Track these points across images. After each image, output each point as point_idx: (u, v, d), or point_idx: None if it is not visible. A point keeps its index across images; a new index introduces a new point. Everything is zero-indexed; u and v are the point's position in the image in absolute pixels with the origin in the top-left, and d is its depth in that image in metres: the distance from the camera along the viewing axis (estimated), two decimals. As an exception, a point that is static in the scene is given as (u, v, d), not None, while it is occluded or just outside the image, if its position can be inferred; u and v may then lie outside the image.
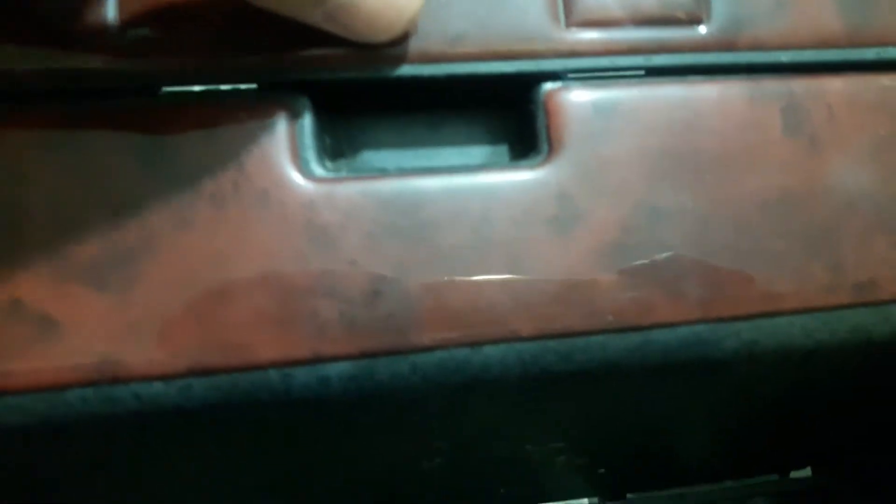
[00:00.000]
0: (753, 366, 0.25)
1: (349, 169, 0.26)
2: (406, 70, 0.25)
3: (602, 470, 0.34)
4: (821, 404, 0.32)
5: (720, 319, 0.24)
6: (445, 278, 0.23)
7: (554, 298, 0.24)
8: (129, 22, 0.23)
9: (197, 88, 0.24)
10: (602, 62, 0.26)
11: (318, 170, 0.24)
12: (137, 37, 0.23)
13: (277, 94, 0.24)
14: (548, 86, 0.25)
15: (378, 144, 0.27)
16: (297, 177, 0.24)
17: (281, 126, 0.24)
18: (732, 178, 0.25)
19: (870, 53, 0.27)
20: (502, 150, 0.27)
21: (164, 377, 0.22)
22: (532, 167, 0.25)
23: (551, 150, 0.25)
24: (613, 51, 0.26)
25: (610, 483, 0.37)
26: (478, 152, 0.27)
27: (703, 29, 0.26)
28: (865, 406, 0.33)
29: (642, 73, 0.26)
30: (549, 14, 0.25)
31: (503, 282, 0.24)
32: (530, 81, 0.26)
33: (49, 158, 0.23)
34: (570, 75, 0.26)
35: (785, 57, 0.27)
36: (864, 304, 0.25)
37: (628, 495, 0.38)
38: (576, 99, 0.25)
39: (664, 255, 0.24)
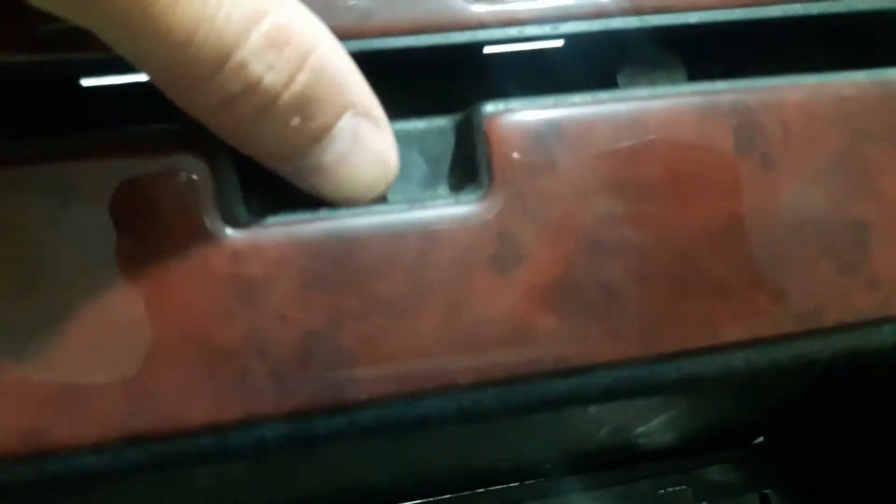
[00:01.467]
0: (693, 393, 0.25)
1: (276, 203, 0.24)
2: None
3: (548, 466, 0.35)
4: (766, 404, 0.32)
5: (661, 357, 0.24)
6: (381, 329, 0.23)
7: (494, 344, 0.23)
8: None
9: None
10: (511, 32, 0.25)
11: (241, 215, 0.23)
12: (54, 30, 0.22)
13: (196, 131, 0.22)
14: (489, 108, 0.24)
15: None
16: (219, 225, 0.22)
17: (201, 169, 0.22)
18: (679, 207, 0.24)
19: (776, 11, 0.27)
20: (440, 175, 0.26)
21: (94, 447, 0.22)
22: (472, 202, 0.23)
23: (492, 183, 0.23)
24: (521, 21, 0.25)
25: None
26: (415, 176, 0.26)
27: None
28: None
29: (559, 41, 0.26)
30: None
31: (441, 329, 0.23)
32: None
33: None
34: (486, 48, 0.25)
35: (693, 18, 0.26)
36: (809, 333, 0.25)
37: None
38: (519, 126, 0.24)
39: (605, 293, 0.24)
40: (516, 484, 0.38)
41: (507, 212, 0.23)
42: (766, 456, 0.40)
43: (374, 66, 0.23)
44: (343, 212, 0.23)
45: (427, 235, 0.23)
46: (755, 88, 0.25)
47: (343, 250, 0.23)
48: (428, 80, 0.27)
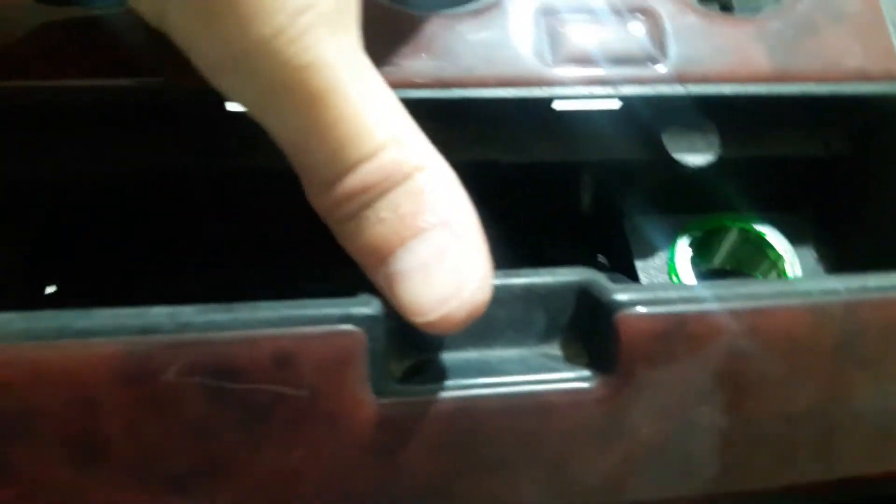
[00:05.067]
0: None
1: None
2: (428, 93, 0.29)
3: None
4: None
5: None
6: (493, 485, 0.26)
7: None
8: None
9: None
10: (580, 91, 0.30)
11: (385, 390, 0.24)
12: None
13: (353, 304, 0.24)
14: (622, 312, 0.25)
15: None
16: (366, 399, 0.24)
17: (358, 343, 0.24)
18: (772, 401, 0.27)
19: (793, 88, 0.32)
20: (555, 332, 0.28)
21: None
22: (589, 381, 0.26)
23: (613, 371, 0.26)
24: (590, 82, 0.31)
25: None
26: (532, 329, 0.28)
27: (660, 67, 0.31)
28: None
29: (616, 101, 0.31)
30: (539, 54, 0.30)
31: (543, 486, 0.26)
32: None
33: (123, 391, 0.23)
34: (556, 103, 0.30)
35: (727, 89, 0.31)
36: None
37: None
38: (649, 323, 0.26)
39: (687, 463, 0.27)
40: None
41: (622, 396, 0.26)
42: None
43: (468, 111, 0.28)
44: (470, 390, 0.25)
45: (543, 410, 0.25)
46: (867, 298, 0.27)
47: (469, 422, 0.25)
48: (502, 127, 0.32)
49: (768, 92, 0.32)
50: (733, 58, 0.32)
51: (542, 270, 0.27)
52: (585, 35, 0.31)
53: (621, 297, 0.26)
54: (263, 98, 0.22)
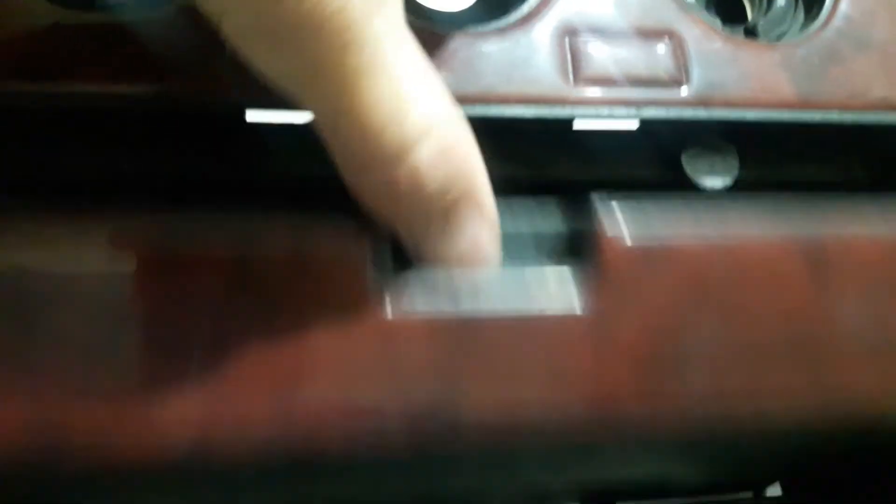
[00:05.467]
0: None
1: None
2: None
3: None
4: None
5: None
6: (494, 391, 0.27)
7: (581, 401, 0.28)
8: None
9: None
10: (602, 111, 0.30)
11: (390, 306, 0.27)
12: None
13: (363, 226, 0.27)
14: (600, 199, 0.29)
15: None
16: (373, 311, 0.26)
17: (363, 257, 0.27)
18: (752, 322, 0.29)
19: (816, 116, 0.32)
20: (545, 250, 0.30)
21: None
22: (584, 310, 0.28)
23: (598, 295, 0.28)
24: (611, 103, 0.31)
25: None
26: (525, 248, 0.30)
27: (683, 90, 0.31)
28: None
29: (636, 122, 0.31)
30: (562, 73, 0.30)
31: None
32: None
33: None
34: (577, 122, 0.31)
35: (750, 115, 0.32)
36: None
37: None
38: (630, 249, 0.29)
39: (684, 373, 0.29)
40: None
41: (607, 300, 0.28)
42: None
43: (490, 129, 0.28)
44: (476, 315, 0.27)
45: (535, 323, 0.28)
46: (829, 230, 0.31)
47: (471, 338, 0.27)
48: (524, 148, 0.32)
49: (792, 119, 0.32)
50: (757, 84, 0.32)
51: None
52: (608, 56, 0.31)
53: (608, 220, 0.29)
54: (303, 75, 0.22)
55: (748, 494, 0.45)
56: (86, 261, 0.25)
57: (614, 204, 0.29)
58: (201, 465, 0.25)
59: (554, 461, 0.29)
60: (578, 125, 0.31)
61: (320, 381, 0.26)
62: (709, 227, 0.30)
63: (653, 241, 0.29)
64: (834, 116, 0.33)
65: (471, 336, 0.27)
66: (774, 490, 0.46)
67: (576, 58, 0.31)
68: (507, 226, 0.28)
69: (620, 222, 0.29)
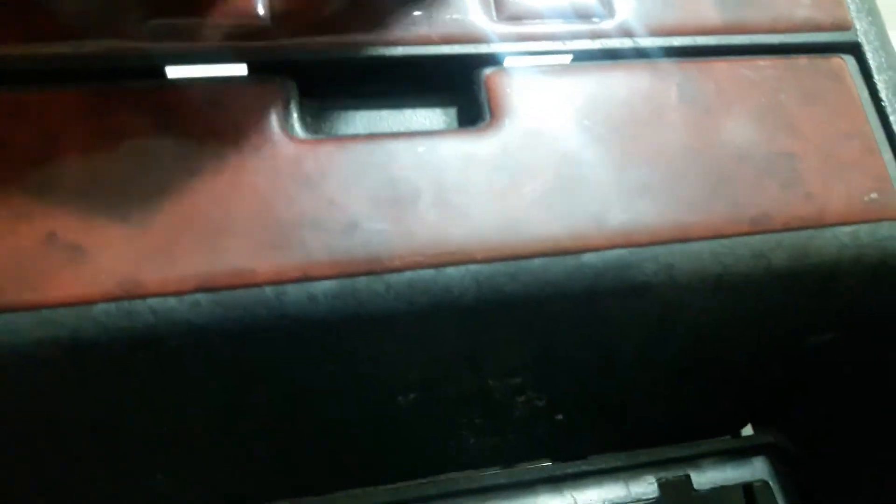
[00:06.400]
0: (672, 290, 0.30)
1: (326, 136, 0.31)
2: (371, 51, 0.31)
3: (560, 416, 0.38)
4: (744, 346, 0.36)
5: (640, 245, 0.29)
6: (410, 216, 0.28)
7: (502, 231, 0.28)
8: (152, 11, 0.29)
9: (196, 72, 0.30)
10: (527, 47, 0.32)
11: (301, 133, 0.29)
12: (153, 25, 0.29)
13: (269, 75, 0.30)
14: (487, 70, 0.31)
15: (350, 120, 0.32)
16: (285, 137, 0.29)
17: (272, 99, 0.29)
18: (641, 137, 0.31)
19: (743, 39, 0.34)
20: (452, 121, 0.33)
21: (177, 293, 0.27)
22: (478, 131, 0.30)
23: (493, 118, 0.30)
24: (535, 38, 0.32)
25: (567, 441, 0.41)
26: (432, 122, 0.32)
27: (607, 22, 0.33)
28: (787, 351, 0.38)
29: (568, 57, 0.33)
30: (484, 9, 0.32)
31: (460, 218, 0.28)
32: (469, 65, 0.31)
33: (81, 124, 0.28)
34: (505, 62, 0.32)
35: (677, 42, 0.33)
36: (761, 232, 0.30)
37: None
38: (510, 79, 0.31)
39: (590, 195, 0.29)
40: (527, 467, 0.42)
41: (506, 137, 0.30)
42: (753, 447, 0.43)
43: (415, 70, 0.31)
44: (379, 134, 0.30)
45: (445, 153, 0.30)
46: (688, 60, 0.33)
47: (379, 160, 0.29)
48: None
49: (718, 43, 0.34)
50: (682, 10, 0.34)
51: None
52: None
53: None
54: None
55: (725, 437, 0.44)
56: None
57: None
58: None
59: (481, 280, 0.29)
60: (508, 63, 0.33)
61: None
62: None
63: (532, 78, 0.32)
64: (762, 39, 0.34)
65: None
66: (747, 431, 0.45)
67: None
68: None
69: None
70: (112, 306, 0.27)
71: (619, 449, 0.42)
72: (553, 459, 0.43)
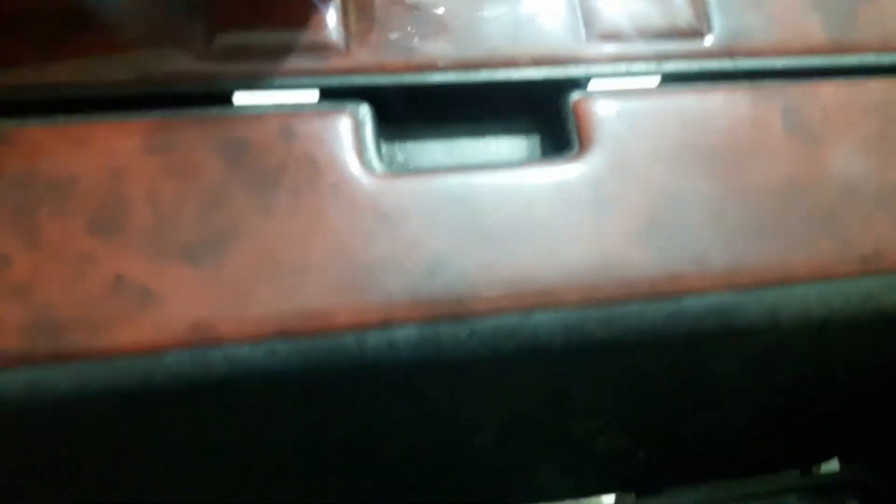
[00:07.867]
0: (775, 334, 0.28)
1: (405, 168, 0.29)
2: (450, 77, 0.29)
3: (641, 454, 0.36)
4: (843, 386, 0.34)
5: (743, 287, 0.27)
6: (496, 255, 0.26)
7: (594, 271, 0.27)
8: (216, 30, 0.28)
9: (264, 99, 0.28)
10: (619, 68, 0.30)
11: (379, 167, 0.28)
12: (219, 46, 0.28)
13: (343, 101, 0.28)
14: (575, 95, 0.29)
15: (427, 150, 0.30)
16: (362, 171, 0.27)
17: (347, 129, 0.28)
18: (742, 168, 0.29)
19: (852, 60, 0.31)
20: (536, 151, 0.31)
21: (252, 339, 0.25)
22: (566, 161, 0.28)
23: (581, 147, 0.28)
24: (628, 59, 0.30)
25: (645, 474, 0.39)
26: (516, 152, 0.30)
27: (705, 40, 0.31)
28: (888, 390, 0.35)
29: (657, 78, 0.30)
30: (572, 29, 0.30)
31: (548, 257, 0.27)
32: (557, 89, 0.29)
33: (148, 159, 0.26)
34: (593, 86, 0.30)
35: (779, 63, 0.31)
36: (872, 273, 0.28)
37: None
38: (600, 105, 0.29)
39: (689, 232, 0.27)
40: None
41: (596, 168, 0.28)
42: (839, 483, 0.41)
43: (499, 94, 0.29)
44: (459, 167, 0.28)
45: (529, 185, 0.28)
46: (793, 83, 0.30)
47: (461, 194, 0.27)
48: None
49: (825, 64, 0.31)
50: (785, 28, 0.32)
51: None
52: (622, 7, 0.31)
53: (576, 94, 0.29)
54: None
55: (794, 473, 0.42)
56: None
57: None
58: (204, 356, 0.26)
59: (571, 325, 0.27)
60: (595, 85, 0.31)
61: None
62: None
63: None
64: (871, 59, 0.32)
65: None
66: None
67: (587, 13, 0.31)
68: None
69: None
70: (184, 353, 0.25)
71: (697, 482, 0.40)
72: (629, 492, 0.41)
